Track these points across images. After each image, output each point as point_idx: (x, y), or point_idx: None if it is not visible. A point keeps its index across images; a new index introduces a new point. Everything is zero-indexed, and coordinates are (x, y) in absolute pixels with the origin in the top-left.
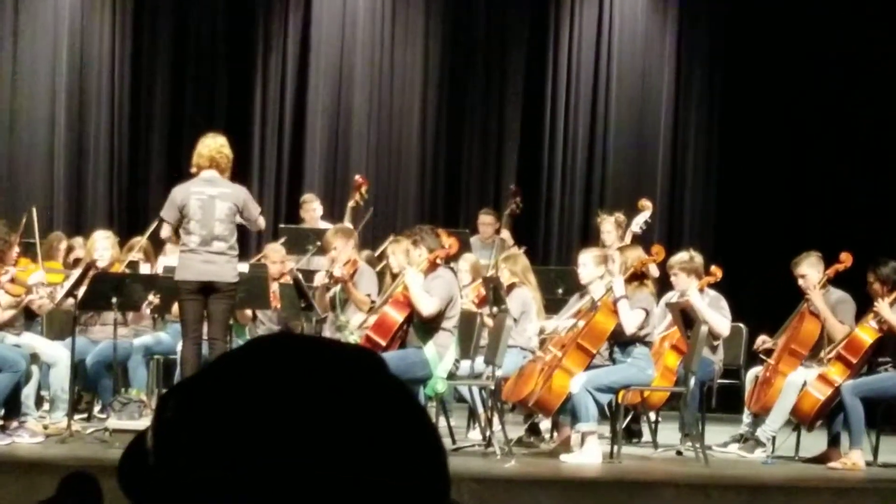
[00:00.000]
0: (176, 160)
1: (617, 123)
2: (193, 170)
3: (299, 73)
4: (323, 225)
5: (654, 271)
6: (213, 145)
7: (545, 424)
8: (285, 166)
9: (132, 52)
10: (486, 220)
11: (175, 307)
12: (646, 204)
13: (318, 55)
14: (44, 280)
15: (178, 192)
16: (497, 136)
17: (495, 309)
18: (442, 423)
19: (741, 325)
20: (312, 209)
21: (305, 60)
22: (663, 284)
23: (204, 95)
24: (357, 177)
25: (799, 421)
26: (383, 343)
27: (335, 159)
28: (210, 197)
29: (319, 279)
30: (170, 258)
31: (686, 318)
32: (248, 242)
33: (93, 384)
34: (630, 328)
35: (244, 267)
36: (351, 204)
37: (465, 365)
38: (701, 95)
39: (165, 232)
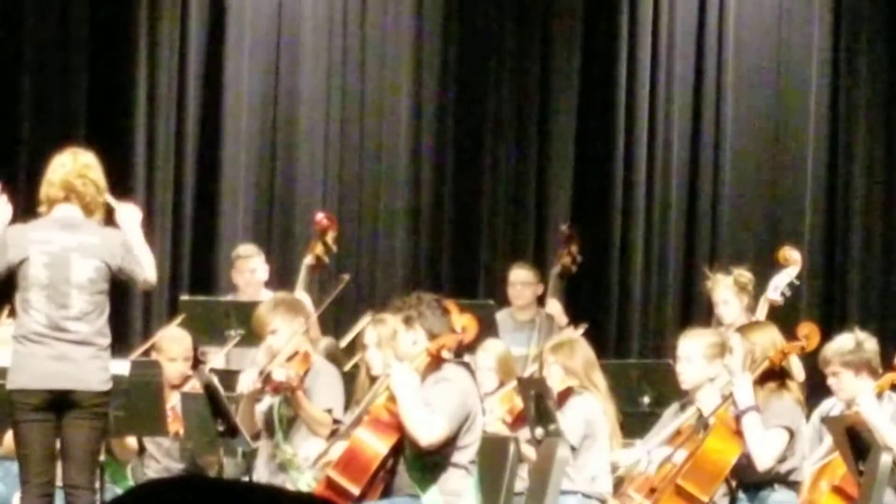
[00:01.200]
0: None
1: (736, 129)
2: (42, 208)
3: (209, 48)
4: (266, 296)
5: (800, 371)
6: (73, 166)
7: None
8: (188, 200)
9: None
10: (520, 279)
11: (8, 436)
12: (792, 256)
13: (241, 19)
14: None
15: (11, 237)
16: (538, 148)
17: (540, 431)
18: None
19: None
20: (250, 270)
21: (219, 28)
22: (816, 388)
23: (51, 89)
24: (320, 216)
25: None
26: (355, 490)
27: (271, 187)
28: (64, 249)
29: (247, 383)
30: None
31: (856, 441)
32: (127, 323)
33: None
34: (765, 460)
35: (122, 366)
36: (308, 260)
37: None
38: (874, 81)
39: None
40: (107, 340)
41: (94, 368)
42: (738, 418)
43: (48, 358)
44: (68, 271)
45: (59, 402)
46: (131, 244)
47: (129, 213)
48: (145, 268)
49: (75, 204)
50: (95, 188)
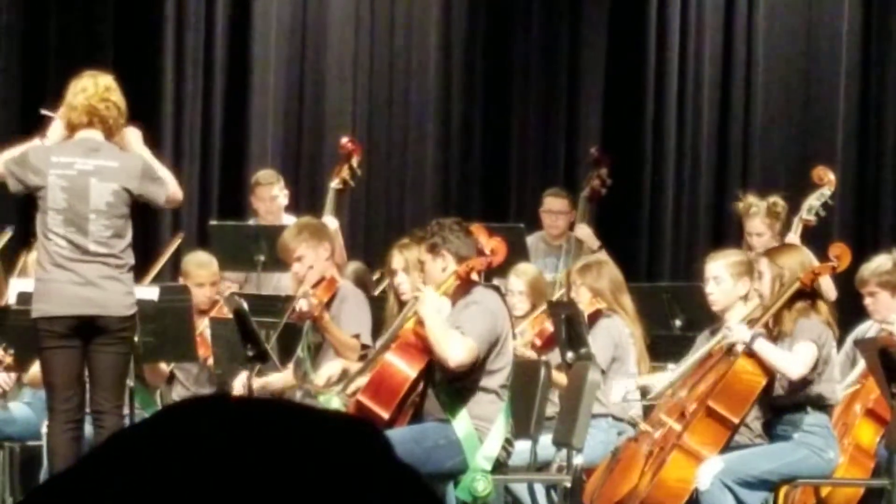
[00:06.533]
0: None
1: (768, 48)
2: (63, 133)
3: None
4: (289, 221)
5: (832, 290)
6: (94, 90)
7: None
8: (216, 124)
9: None
10: (553, 206)
11: (35, 365)
12: (826, 176)
13: None
14: None
15: (34, 159)
16: (569, 70)
17: (571, 355)
18: None
19: None
20: (271, 196)
21: None
22: (850, 310)
23: (76, 22)
24: (345, 140)
25: None
26: (384, 414)
27: (300, 112)
28: (82, 174)
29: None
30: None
31: (890, 363)
32: (156, 249)
33: None
34: (796, 367)
35: (152, 291)
36: (335, 184)
37: (523, 448)
38: None
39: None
40: (128, 263)
41: (117, 293)
42: (748, 349)
43: (71, 283)
44: (86, 194)
45: (85, 329)
46: (151, 167)
47: (133, 134)
48: (168, 185)
49: (98, 128)
50: (118, 111)
